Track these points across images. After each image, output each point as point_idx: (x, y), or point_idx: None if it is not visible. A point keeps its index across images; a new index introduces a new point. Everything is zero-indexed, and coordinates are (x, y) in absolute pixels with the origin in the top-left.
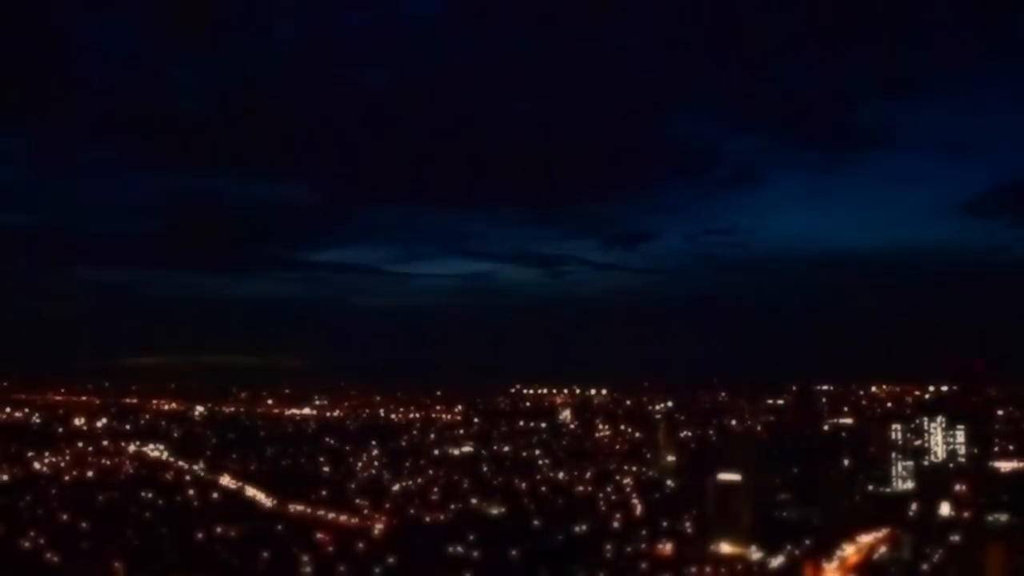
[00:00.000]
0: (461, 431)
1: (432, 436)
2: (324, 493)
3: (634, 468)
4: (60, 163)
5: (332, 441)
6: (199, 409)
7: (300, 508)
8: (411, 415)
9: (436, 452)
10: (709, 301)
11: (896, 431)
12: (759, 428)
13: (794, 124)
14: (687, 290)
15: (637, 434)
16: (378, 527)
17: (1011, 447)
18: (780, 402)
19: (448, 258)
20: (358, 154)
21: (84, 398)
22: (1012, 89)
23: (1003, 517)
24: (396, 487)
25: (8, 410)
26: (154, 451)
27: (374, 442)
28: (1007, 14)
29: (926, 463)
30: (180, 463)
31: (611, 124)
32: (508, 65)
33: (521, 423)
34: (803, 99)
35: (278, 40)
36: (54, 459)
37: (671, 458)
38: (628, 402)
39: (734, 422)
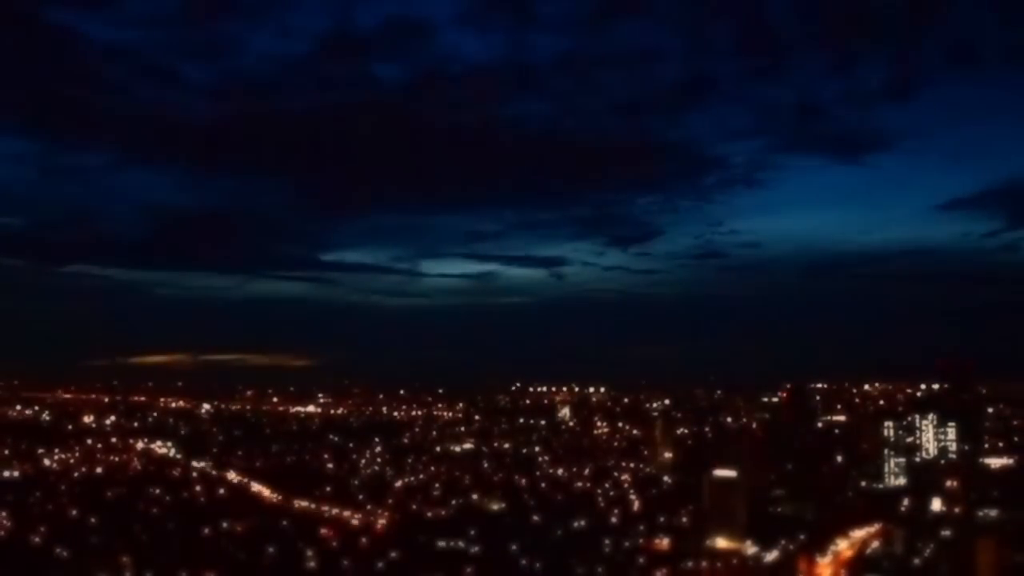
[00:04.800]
0: (462, 428)
1: (434, 433)
2: (328, 489)
3: (632, 465)
4: (67, 163)
5: (336, 438)
6: (206, 407)
7: (305, 504)
8: (413, 413)
9: (438, 449)
10: (706, 301)
11: (888, 428)
12: (754, 425)
13: (794, 126)
14: (685, 290)
15: (635, 431)
16: (381, 522)
17: (1001, 444)
18: (775, 400)
19: (455, 259)
20: (366, 154)
21: (93, 396)
22: (1009, 92)
23: (993, 512)
24: (398, 483)
25: (18, 408)
26: (162, 448)
27: (377, 439)
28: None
29: (918, 460)
30: (187, 460)
31: (615, 125)
32: (510, 67)
33: (521, 420)
34: (804, 102)
35: (287, 38)
36: (63, 456)
37: (668, 455)
38: (626, 400)
39: (730, 420)
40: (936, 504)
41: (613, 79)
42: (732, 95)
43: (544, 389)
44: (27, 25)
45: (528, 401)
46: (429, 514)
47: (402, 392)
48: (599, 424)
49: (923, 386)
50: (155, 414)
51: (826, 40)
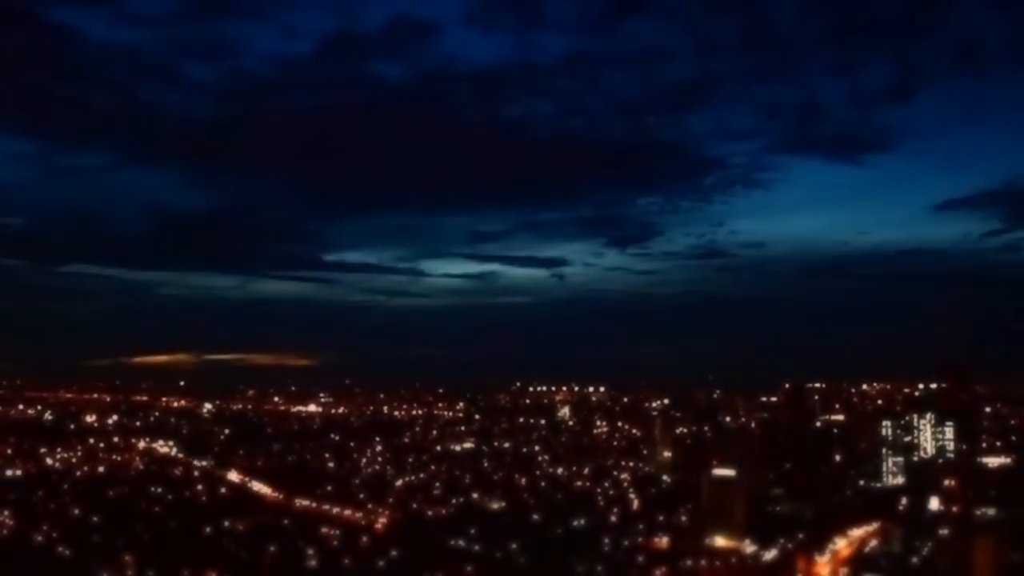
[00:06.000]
0: (463, 428)
1: (434, 432)
2: (329, 488)
3: (631, 464)
4: (68, 163)
5: (337, 437)
6: (207, 406)
7: (306, 503)
8: (414, 412)
9: (438, 448)
10: (706, 301)
11: (886, 428)
12: (753, 425)
13: (796, 127)
14: (685, 290)
15: (634, 431)
16: (382, 521)
17: (998, 443)
18: (773, 400)
19: (457, 259)
20: (369, 154)
21: (95, 395)
22: (1010, 93)
23: (991, 511)
24: (399, 482)
25: (21, 407)
26: (163, 447)
27: (378, 438)
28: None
29: (916, 459)
30: (189, 459)
31: (618, 125)
32: (515, 67)
33: (521, 420)
34: (806, 102)
35: (290, 38)
36: (66, 455)
37: (667, 454)
38: (626, 399)
39: (729, 419)
40: (934, 503)
41: (617, 79)
42: (734, 95)
43: (544, 389)
44: (28, 25)
45: (528, 401)
46: (430, 513)
47: (403, 391)
48: (599, 423)
49: (921, 385)
50: (157, 413)
51: (828, 41)
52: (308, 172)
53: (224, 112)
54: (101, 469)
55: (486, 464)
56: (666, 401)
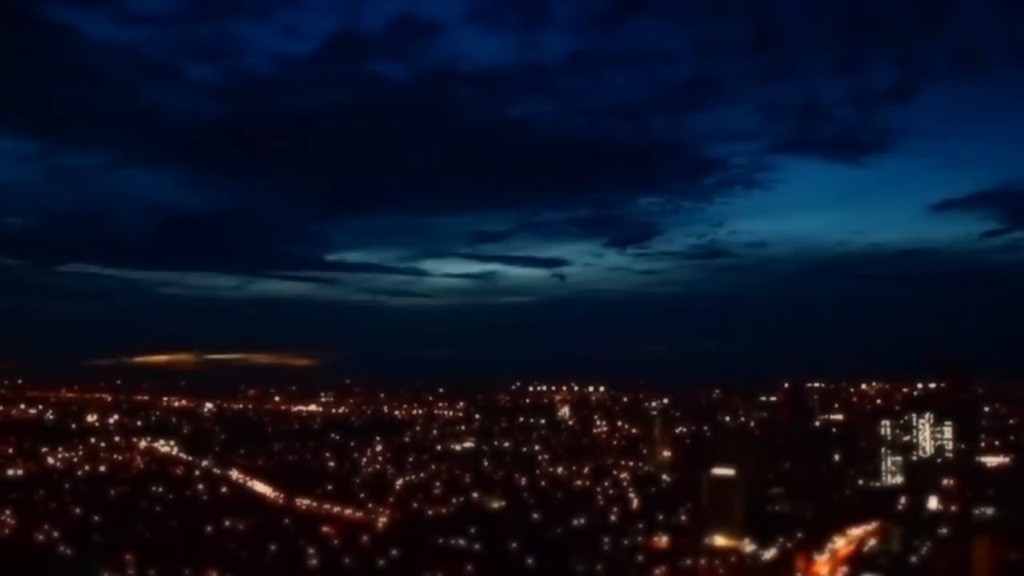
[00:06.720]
0: (463, 427)
1: (434, 432)
2: (329, 487)
3: (631, 463)
4: (70, 163)
5: (337, 437)
6: (208, 406)
7: (306, 502)
8: (414, 411)
9: (438, 448)
10: (706, 301)
11: (885, 427)
12: (752, 424)
13: (796, 127)
14: (685, 290)
15: (634, 430)
16: (382, 520)
17: (997, 443)
18: (773, 399)
19: (458, 259)
20: (371, 154)
21: (96, 395)
22: (1010, 94)
23: (989, 511)
24: (399, 482)
25: (23, 407)
26: (165, 447)
27: (378, 438)
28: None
29: (915, 458)
30: (190, 458)
31: (618, 126)
32: (518, 66)
33: (521, 419)
34: (807, 103)
35: (293, 38)
36: (67, 454)
37: (667, 453)
38: (625, 399)
39: (728, 418)
40: (933, 502)
41: (619, 79)
42: (735, 96)
43: (544, 389)
44: (28, 24)
45: (528, 400)
46: (430, 512)
47: (403, 391)
48: (599, 423)
49: (920, 385)
50: (158, 413)
51: (829, 42)
52: (309, 172)
53: (225, 112)
54: (102, 468)
55: (486, 464)
56: (666, 401)
